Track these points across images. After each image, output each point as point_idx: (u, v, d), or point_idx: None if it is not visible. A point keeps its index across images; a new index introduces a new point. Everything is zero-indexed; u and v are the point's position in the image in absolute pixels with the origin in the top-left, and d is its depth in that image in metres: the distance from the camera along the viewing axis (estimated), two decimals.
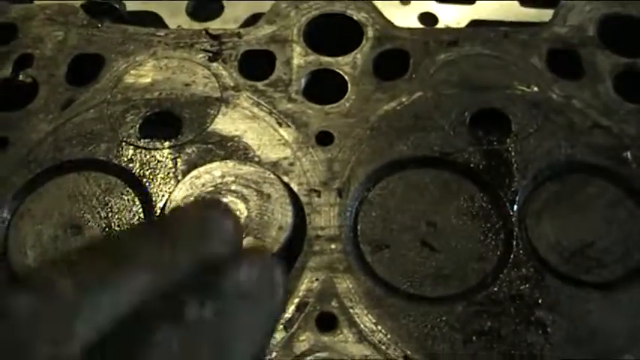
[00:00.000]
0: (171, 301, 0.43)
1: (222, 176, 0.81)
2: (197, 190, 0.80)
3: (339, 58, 0.92)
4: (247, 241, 0.78)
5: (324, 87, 0.90)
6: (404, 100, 0.89)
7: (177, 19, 1.11)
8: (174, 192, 0.81)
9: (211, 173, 0.81)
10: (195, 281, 0.45)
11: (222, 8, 1.11)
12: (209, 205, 0.56)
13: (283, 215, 0.79)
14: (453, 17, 1.12)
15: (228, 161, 0.82)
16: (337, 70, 0.91)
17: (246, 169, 0.81)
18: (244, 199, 0.79)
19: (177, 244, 0.46)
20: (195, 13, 1.11)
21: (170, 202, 0.80)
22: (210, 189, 0.80)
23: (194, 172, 0.82)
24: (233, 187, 0.80)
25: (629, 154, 0.85)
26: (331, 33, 0.94)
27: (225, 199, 0.80)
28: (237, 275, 0.46)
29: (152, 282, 0.43)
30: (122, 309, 0.41)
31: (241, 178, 0.81)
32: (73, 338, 0.39)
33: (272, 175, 0.81)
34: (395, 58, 0.92)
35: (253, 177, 0.81)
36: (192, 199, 0.80)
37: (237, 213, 0.79)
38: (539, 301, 0.77)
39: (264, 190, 0.80)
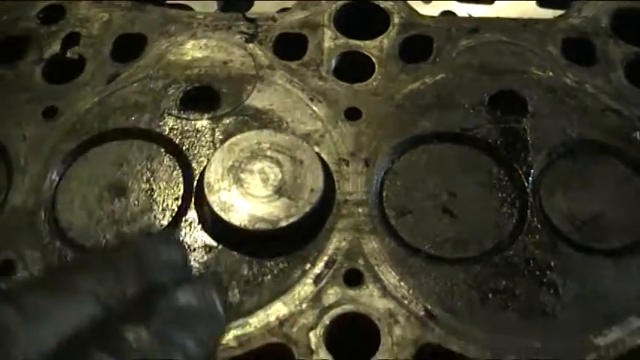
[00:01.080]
0: (108, 328, 0.45)
1: (258, 143, 0.87)
2: (235, 154, 0.86)
3: (367, 42, 0.98)
4: (282, 202, 0.83)
5: (352, 68, 0.96)
6: (427, 80, 0.95)
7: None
8: (214, 155, 0.87)
9: (248, 140, 0.87)
10: (137, 304, 0.47)
11: (251, 4, 1.16)
12: (154, 237, 0.61)
13: (314, 179, 0.85)
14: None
15: (264, 130, 0.89)
16: (365, 53, 0.97)
17: (281, 137, 0.87)
18: (279, 164, 0.85)
19: (120, 274, 0.48)
20: (225, 8, 1.16)
21: (210, 165, 0.86)
22: (248, 154, 0.87)
23: (232, 139, 0.88)
24: (268, 153, 0.87)
25: (638, 134, 0.90)
26: (360, 19, 1.00)
27: (260, 164, 0.86)
28: (175, 300, 0.49)
29: (93, 310, 0.45)
30: (63, 337, 0.43)
31: (276, 144, 0.87)
32: None
33: (304, 143, 0.87)
34: (419, 43, 0.98)
35: (287, 144, 0.87)
36: (230, 162, 0.86)
37: (272, 176, 0.85)
38: (552, 264, 0.82)
39: (297, 156, 0.86)
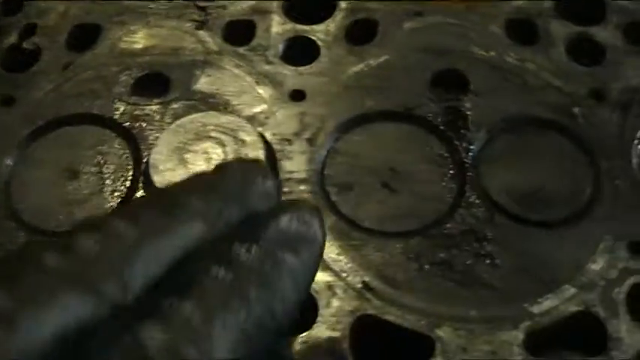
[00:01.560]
0: (219, 246, 0.47)
1: (203, 125, 0.90)
2: (180, 135, 0.89)
3: (314, 26, 1.00)
4: None
5: (300, 52, 0.98)
6: (372, 62, 0.97)
7: None
8: (160, 137, 0.89)
9: (193, 122, 0.90)
10: (242, 226, 0.50)
11: None
12: (252, 165, 0.64)
13: (256, 157, 0.87)
14: None
15: (209, 112, 0.91)
16: (311, 37, 0.99)
17: (225, 119, 0.90)
18: (222, 144, 0.88)
19: (225, 197, 0.51)
20: None
21: (156, 147, 0.89)
22: (192, 136, 0.89)
23: (178, 122, 0.90)
24: (212, 134, 0.89)
25: (578, 110, 0.92)
26: (309, 6, 1.03)
27: (204, 144, 0.88)
28: (279, 224, 0.51)
29: (202, 230, 0.47)
30: (178, 253, 0.45)
31: (220, 126, 0.89)
32: (135, 277, 0.43)
33: (247, 124, 0.89)
34: (365, 26, 1.00)
35: (230, 125, 0.89)
36: (175, 144, 0.88)
37: (215, 156, 0.88)
38: (489, 236, 0.84)
39: (240, 136, 0.88)
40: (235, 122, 0.89)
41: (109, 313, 0.40)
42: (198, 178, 0.57)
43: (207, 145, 0.88)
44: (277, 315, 0.47)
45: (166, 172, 0.87)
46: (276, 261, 0.49)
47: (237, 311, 0.44)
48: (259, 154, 0.87)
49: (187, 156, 0.88)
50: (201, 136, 0.89)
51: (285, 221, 0.52)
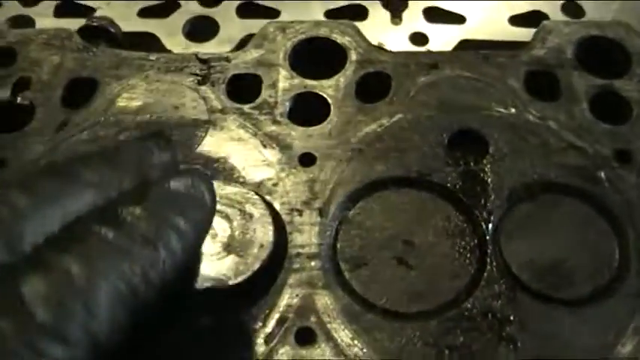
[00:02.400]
0: (107, 209, 0.51)
1: None
2: None
3: (323, 82, 0.95)
4: (231, 260, 0.81)
5: (309, 110, 0.93)
6: (384, 122, 0.92)
7: (173, 38, 1.15)
8: None
9: None
10: (132, 192, 0.54)
11: (217, 29, 1.14)
12: (149, 137, 0.65)
13: (264, 234, 0.82)
14: (443, 37, 1.15)
15: (213, 182, 0.86)
16: (320, 93, 0.94)
17: (230, 190, 0.84)
18: (227, 219, 0.83)
19: (118, 167, 0.55)
20: (191, 33, 1.14)
21: None
22: None
23: None
24: (218, 207, 0.84)
25: (602, 173, 0.87)
26: (316, 56, 0.97)
27: None
28: (168, 188, 0.56)
29: (94, 198, 0.51)
30: (68, 218, 0.49)
31: (225, 197, 0.84)
32: (22, 238, 0.46)
33: (255, 196, 0.84)
34: (377, 81, 0.95)
35: (237, 197, 0.84)
36: None
37: (221, 232, 0.82)
38: (511, 317, 0.79)
39: (247, 209, 0.83)
40: (242, 194, 0.84)
41: None
42: (96, 153, 0.59)
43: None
44: (164, 272, 0.51)
45: None
46: (163, 221, 0.52)
47: (119, 266, 0.47)
48: (268, 229, 0.82)
49: None
50: None
51: (173, 185, 0.56)
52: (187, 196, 0.57)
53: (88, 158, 0.55)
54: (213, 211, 0.65)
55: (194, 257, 0.60)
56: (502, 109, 0.92)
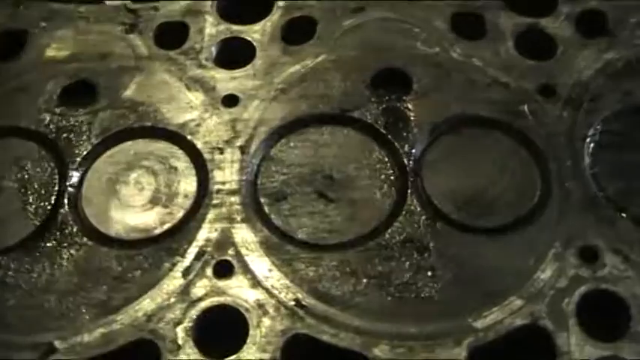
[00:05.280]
0: None
1: (135, 153, 0.86)
2: (111, 166, 0.87)
3: (250, 26, 0.96)
4: (156, 211, 0.84)
5: (235, 54, 0.93)
6: (308, 62, 0.92)
7: None
8: (92, 168, 0.87)
9: (124, 151, 0.87)
10: None
11: None
12: None
13: (188, 185, 0.83)
14: None
15: (139, 140, 0.87)
16: (246, 38, 0.94)
17: (156, 146, 0.86)
18: (154, 173, 0.84)
19: None
20: None
21: (87, 179, 0.87)
22: (124, 165, 0.87)
23: (108, 152, 0.87)
24: (144, 163, 0.85)
25: (525, 107, 0.87)
26: (245, 5, 0.98)
27: (136, 174, 0.86)
28: None
29: None
30: None
31: (151, 154, 0.85)
32: None
33: (179, 150, 0.85)
34: (303, 25, 0.95)
35: (162, 152, 0.86)
36: (107, 175, 0.87)
37: (147, 185, 0.84)
38: (430, 246, 0.79)
39: (172, 163, 0.85)
40: (166, 149, 0.86)
41: None
42: None
43: (139, 174, 0.84)
44: None
45: (100, 205, 0.85)
46: None
47: None
48: (192, 181, 0.84)
49: (119, 187, 0.85)
50: (133, 166, 0.86)
51: None
52: None
53: None
54: None
55: None
56: (426, 48, 0.92)
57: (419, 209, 0.82)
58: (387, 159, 0.85)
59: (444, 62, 0.92)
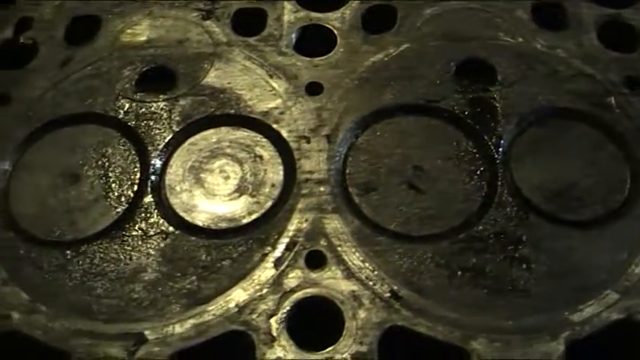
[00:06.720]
0: None
1: (218, 141, 0.85)
2: (194, 154, 0.85)
3: (329, 14, 0.95)
4: (243, 200, 0.83)
5: (314, 41, 0.92)
6: (391, 51, 0.91)
7: None
8: (174, 155, 0.86)
9: (207, 139, 0.86)
10: None
11: None
12: None
13: (275, 174, 0.82)
14: None
15: (222, 127, 0.85)
16: (326, 25, 0.93)
17: (240, 134, 0.84)
18: (239, 162, 0.83)
19: None
20: None
21: (170, 167, 0.85)
22: (207, 153, 0.85)
23: (191, 139, 0.85)
24: (228, 151, 0.84)
25: (612, 99, 0.86)
26: None
27: (220, 162, 0.85)
28: None
29: None
30: None
31: (235, 142, 0.84)
32: None
33: (264, 138, 0.84)
34: (382, 13, 0.94)
35: (246, 141, 0.84)
36: (190, 163, 0.86)
37: (233, 174, 0.84)
38: (523, 238, 0.78)
39: (257, 152, 0.83)
40: (250, 137, 0.85)
41: None
42: None
43: (223, 162, 0.83)
44: None
45: (183, 194, 0.84)
46: None
47: None
48: (279, 170, 0.84)
49: (204, 175, 0.84)
50: (217, 154, 0.85)
51: None
52: None
53: None
54: None
55: None
56: (509, 39, 0.92)
57: (510, 201, 0.81)
58: (474, 150, 0.84)
59: (527, 53, 0.91)
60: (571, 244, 0.79)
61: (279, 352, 0.73)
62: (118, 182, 0.85)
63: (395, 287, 0.76)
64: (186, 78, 0.90)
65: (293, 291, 0.76)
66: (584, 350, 0.74)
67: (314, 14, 0.94)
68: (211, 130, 0.86)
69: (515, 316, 0.75)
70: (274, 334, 0.74)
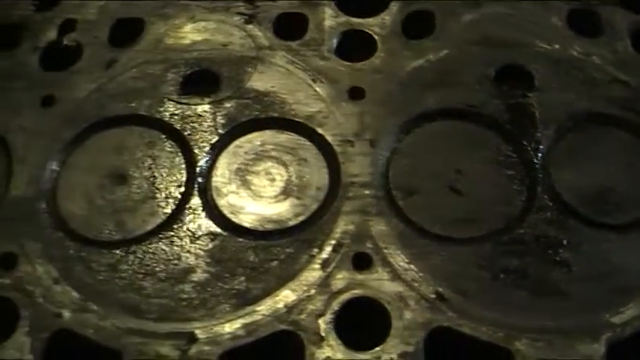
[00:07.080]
0: None
1: (262, 144, 0.87)
2: (240, 156, 0.87)
3: (369, 19, 0.96)
4: (289, 202, 0.85)
5: (355, 46, 0.94)
6: (431, 57, 0.93)
7: None
8: (220, 158, 0.88)
9: (252, 141, 0.87)
10: None
11: None
12: None
13: (320, 177, 0.84)
14: None
15: (266, 130, 0.88)
16: (367, 30, 0.95)
17: (284, 137, 0.86)
18: (283, 164, 0.85)
19: None
20: None
21: (216, 169, 0.87)
22: (252, 156, 0.87)
23: (235, 142, 0.87)
24: (273, 154, 0.86)
25: None
26: None
27: (266, 164, 0.87)
28: None
29: None
30: None
31: (279, 145, 0.86)
32: None
33: (308, 142, 0.86)
34: (422, 18, 0.95)
35: (290, 144, 0.86)
36: (236, 165, 0.88)
37: (278, 177, 0.86)
38: (563, 241, 0.80)
39: (301, 155, 0.85)
40: (294, 140, 0.87)
41: None
42: None
43: (269, 165, 0.85)
44: None
45: (230, 196, 0.85)
46: None
47: None
48: (324, 173, 0.85)
49: (250, 177, 0.86)
50: (262, 157, 0.86)
51: None
52: None
53: None
54: None
55: None
56: (546, 45, 0.93)
57: (549, 205, 0.83)
58: (514, 155, 0.86)
59: (563, 59, 0.93)
60: (609, 247, 0.81)
61: (328, 352, 0.75)
62: (165, 183, 0.87)
63: (440, 289, 0.78)
64: (230, 81, 0.92)
65: (340, 292, 0.78)
66: (625, 352, 0.76)
67: (354, 19, 0.96)
68: (256, 133, 0.88)
69: (556, 317, 0.77)
70: (322, 334, 0.76)
